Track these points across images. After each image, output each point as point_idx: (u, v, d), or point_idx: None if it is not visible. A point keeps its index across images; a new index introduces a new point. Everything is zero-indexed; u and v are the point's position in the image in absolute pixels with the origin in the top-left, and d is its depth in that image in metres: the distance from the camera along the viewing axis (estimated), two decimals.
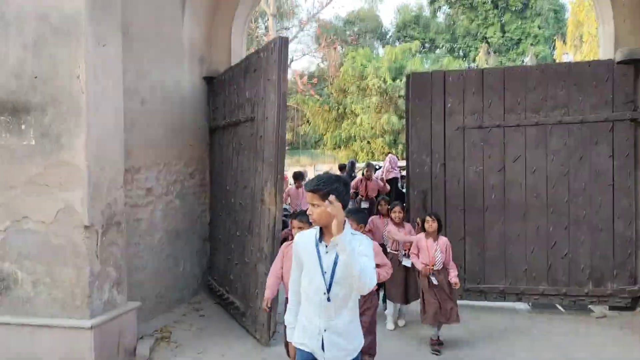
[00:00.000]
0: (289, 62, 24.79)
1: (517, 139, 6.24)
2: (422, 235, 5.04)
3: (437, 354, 4.79)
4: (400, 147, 24.13)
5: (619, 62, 5.96)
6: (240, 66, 5.89)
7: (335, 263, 2.43)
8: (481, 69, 6.79)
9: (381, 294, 5.64)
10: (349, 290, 2.46)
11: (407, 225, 5.62)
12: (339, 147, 27.38)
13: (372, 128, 25.22)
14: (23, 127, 4.22)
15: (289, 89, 27.37)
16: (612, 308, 6.01)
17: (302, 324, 2.55)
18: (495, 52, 31.89)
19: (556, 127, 6.13)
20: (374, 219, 6.00)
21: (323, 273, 2.44)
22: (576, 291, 6.03)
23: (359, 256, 2.33)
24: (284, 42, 4.88)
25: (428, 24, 35.25)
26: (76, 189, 4.13)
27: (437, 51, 34.69)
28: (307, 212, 2.51)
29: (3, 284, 4.28)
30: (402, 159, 16.48)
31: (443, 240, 4.96)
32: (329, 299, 2.44)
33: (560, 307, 6.21)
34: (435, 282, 4.84)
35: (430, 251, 4.91)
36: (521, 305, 6.29)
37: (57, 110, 4.16)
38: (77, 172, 4.14)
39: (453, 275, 4.84)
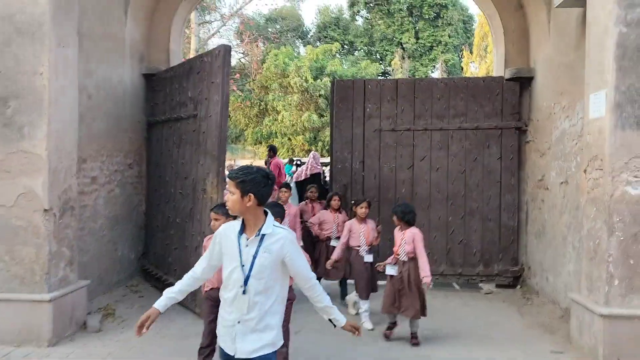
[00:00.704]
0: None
1: (424, 142, 7.34)
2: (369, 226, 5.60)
3: (386, 339, 5.08)
4: (320, 144, 25.21)
5: (507, 79, 7.22)
6: (184, 67, 6.48)
7: (254, 257, 2.47)
8: (396, 80, 7.84)
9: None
10: (268, 285, 2.50)
11: (370, 222, 5.84)
12: (260, 142, 27.97)
13: (293, 125, 26.05)
14: None
15: None
16: (498, 286, 7.25)
17: (221, 317, 2.58)
18: (409, 57, 33.92)
19: (456, 132, 7.29)
20: (323, 212, 6.53)
21: (242, 266, 2.47)
22: (469, 271, 7.23)
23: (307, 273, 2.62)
24: (227, 50, 5.57)
25: (348, 26, 36.64)
26: (37, 176, 4.59)
27: (356, 53, 36.17)
28: (225, 199, 2.54)
29: None
30: (323, 156, 17.42)
31: (412, 231, 5.01)
32: (244, 292, 2.47)
33: (456, 285, 7.38)
34: (393, 273, 5.02)
35: (396, 242, 5.08)
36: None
37: (19, 103, 4.59)
38: (38, 160, 4.59)
39: (424, 275, 4.86)
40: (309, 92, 25.53)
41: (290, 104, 25.85)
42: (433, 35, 34.05)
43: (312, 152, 12.15)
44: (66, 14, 4.84)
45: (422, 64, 33.94)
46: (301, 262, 2.60)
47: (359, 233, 5.59)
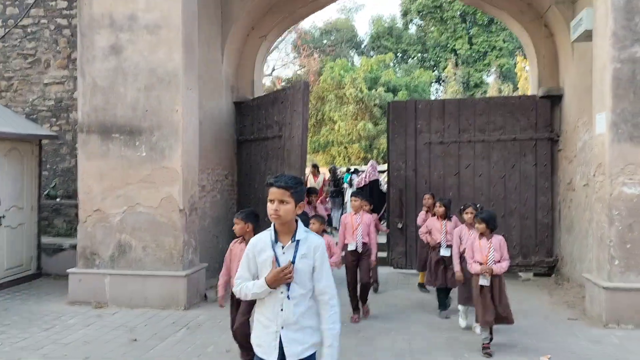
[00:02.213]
0: (270, 72, 26.97)
1: (468, 152, 8.77)
2: (475, 235, 5.18)
3: (489, 357, 4.86)
4: (375, 152, 26.68)
5: (540, 97, 8.55)
6: (269, 97, 8.26)
7: (293, 263, 2.62)
8: (443, 100, 9.33)
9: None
10: (308, 289, 2.66)
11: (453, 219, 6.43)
12: (317, 151, 29.75)
13: (349, 134, 27.67)
14: (137, 143, 6.49)
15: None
16: (535, 275, 8.55)
17: (261, 325, 2.69)
18: (463, 64, 34.83)
19: (496, 143, 8.68)
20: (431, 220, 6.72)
21: None
22: (510, 262, 8.55)
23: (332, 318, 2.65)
24: (306, 85, 7.31)
25: (401, 35, 37.95)
26: (174, 185, 6.43)
27: (410, 61, 37.40)
28: (274, 208, 2.62)
29: (120, 249, 6.52)
30: (380, 164, 18.94)
31: (497, 238, 5.04)
32: (288, 297, 2.62)
33: None
34: (486, 283, 4.91)
35: (483, 251, 4.98)
36: None
37: (161, 132, 6.45)
38: (174, 174, 6.44)
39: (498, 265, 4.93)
40: (364, 102, 27.08)
41: (346, 114, 27.48)
42: (487, 40, 34.80)
43: (371, 161, 13.75)
44: (191, 66, 6.69)
45: (476, 70, 34.74)
46: (326, 271, 2.70)
47: (485, 249, 5.04)
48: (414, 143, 8.92)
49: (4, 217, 7.40)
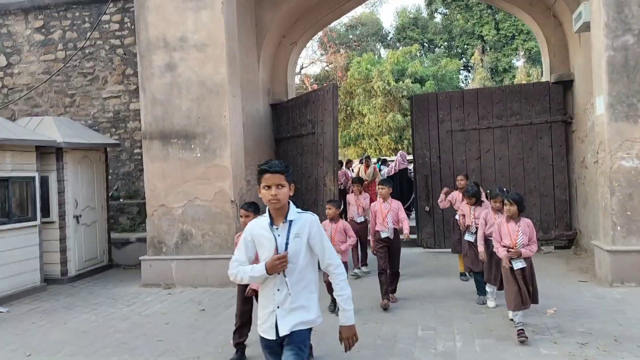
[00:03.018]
0: (299, 70, 28.07)
1: (488, 137, 9.56)
2: (502, 219, 5.12)
3: (524, 340, 4.75)
4: (405, 142, 27.39)
5: (553, 83, 9.27)
6: (302, 99, 9.27)
7: (286, 243, 2.76)
8: (462, 90, 10.19)
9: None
10: (302, 268, 2.79)
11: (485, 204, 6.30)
12: (349, 145, 30.64)
13: (378, 126, 28.44)
14: (192, 146, 7.59)
15: (299, 93, 30.70)
16: (556, 247, 9.30)
17: (261, 306, 2.87)
18: (490, 49, 35.05)
19: (514, 128, 9.45)
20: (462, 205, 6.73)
21: (279, 252, 2.75)
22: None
23: (341, 284, 2.84)
24: (335, 87, 8.27)
25: (426, 25, 38.41)
26: (226, 180, 7.50)
27: (437, 50, 37.81)
28: (272, 193, 2.73)
29: (183, 237, 7.64)
30: (409, 154, 19.75)
31: (525, 221, 4.99)
32: (285, 275, 2.76)
33: None
34: (522, 266, 4.88)
35: (512, 235, 4.93)
36: None
37: (213, 136, 7.52)
38: (225, 171, 7.50)
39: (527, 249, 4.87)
40: (392, 94, 27.80)
41: (374, 107, 28.25)
42: (514, 25, 34.88)
43: (400, 151, 14.62)
44: (234, 77, 7.74)
45: (504, 55, 34.90)
46: (325, 243, 2.84)
47: (513, 232, 4.94)
48: (437, 132, 9.78)
49: (80, 216, 8.64)
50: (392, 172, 13.10)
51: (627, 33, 6.47)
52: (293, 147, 9.59)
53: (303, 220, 2.80)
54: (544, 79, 9.71)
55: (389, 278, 6.33)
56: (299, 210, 2.86)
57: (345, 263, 5.82)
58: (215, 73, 7.54)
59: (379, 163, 18.07)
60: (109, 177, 10.20)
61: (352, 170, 14.43)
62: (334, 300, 5.81)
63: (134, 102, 10.46)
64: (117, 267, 9.38)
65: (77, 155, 8.65)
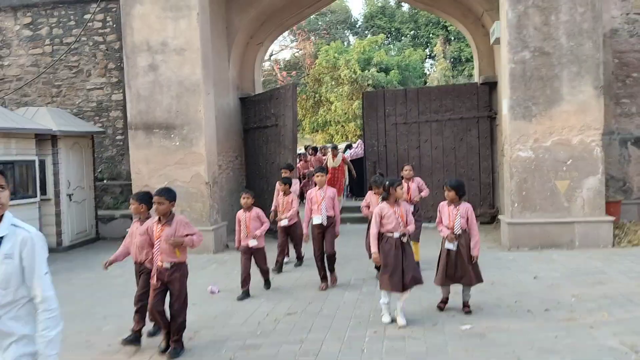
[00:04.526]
0: (269, 56, 29.54)
1: (426, 130, 11.31)
2: (444, 203, 5.50)
3: (440, 310, 5.52)
4: None
5: (481, 84, 11.04)
6: (266, 94, 10.83)
7: None
8: (405, 89, 11.90)
9: None
10: (19, 296, 2.40)
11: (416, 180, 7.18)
12: (317, 131, 32.25)
13: (345, 114, 30.07)
14: (172, 136, 9.09)
15: (269, 79, 32.08)
16: (482, 223, 11.12)
17: None
18: (454, 39, 36.86)
19: (447, 122, 11.21)
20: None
21: None
22: None
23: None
24: (295, 86, 9.86)
25: (393, 14, 39.98)
26: (201, 165, 9.05)
27: (403, 39, 39.51)
28: None
29: None
30: None
31: (465, 206, 5.38)
32: None
33: None
34: (452, 248, 5.31)
35: (450, 217, 5.37)
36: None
37: (190, 127, 9.05)
38: (200, 157, 9.05)
39: (476, 249, 5.30)
40: (358, 83, 29.41)
41: (341, 95, 29.86)
42: None
43: (359, 140, 16.32)
44: (208, 77, 9.26)
45: (467, 45, 36.79)
46: (38, 270, 2.42)
47: (392, 216, 5.20)
48: (384, 125, 11.48)
49: (72, 194, 10.07)
50: (350, 158, 14.82)
51: (525, 50, 8.22)
52: (259, 137, 11.16)
53: (17, 236, 2.39)
54: (474, 80, 11.47)
55: (328, 258, 6.68)
56: (15, 222, 2.42)
57: (262, 248, 6.57)
58: (192, 74, 9.03)
59: (346, 149, 19.70)
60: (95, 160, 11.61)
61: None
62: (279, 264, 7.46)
63: (116, 93, 11.86)
64: (104, 240, 10.85)
65: (69, 141, 10.05)
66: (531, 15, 8.11)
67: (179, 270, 4.81)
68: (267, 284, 6.86)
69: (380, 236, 5.29)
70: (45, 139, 9.54)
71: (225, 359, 4.67)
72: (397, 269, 5.15)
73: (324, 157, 14.67)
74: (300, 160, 14.88)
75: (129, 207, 9.88)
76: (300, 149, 18.71)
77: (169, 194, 4.77)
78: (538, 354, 4.42)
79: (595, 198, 8.13)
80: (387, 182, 5.32)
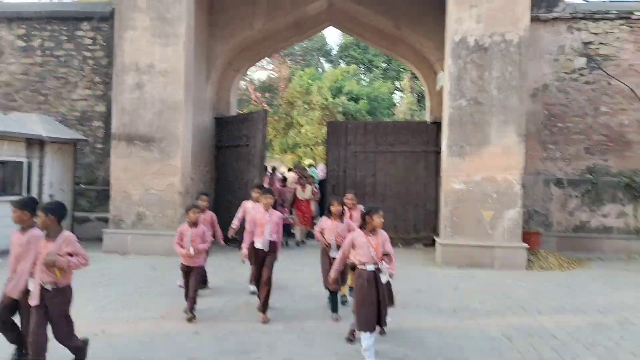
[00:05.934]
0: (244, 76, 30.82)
1: (382, 159, 12.74)
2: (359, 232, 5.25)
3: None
4: None
5: (430, 123, 12.56)
6: (240, 117, 12.13)
7: None
8: (365, 122, 13.40)
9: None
10: None
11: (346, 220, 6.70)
12: (286, 152, 33.58)
13: (314, 137, 31.50)
14: (151, 148, 10.25)
15: (244, 99, 33.35)
16: (425, 245, 12.54)
17: None
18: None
19: (400, 154, 12.67)
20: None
21: None
22: (407, 237, 12.56)
23: None
24: (265, 112, 11.17)
25: (367, 46, 41.86)
26: (176, 176, 10.21)
27: (374, 71, 41.46)
28: None
29: (139, 217, 10.26)
30: None
31: (383, 234, 5.27)
32: None
33: (400, 245, 12.69)
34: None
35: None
36: None
37: (168, 141, 10.22)
38: (176, 169, 10.22)
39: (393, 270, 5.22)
40: (328, 109, 30.97)
41: (312, 119, 31.32)
42: None
43: (321, 164, 17.69)
44: (189, 98, 10.50)
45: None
46: None
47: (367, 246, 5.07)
48: (345, 152, 12.85)
49: (53, 195, 11.05)
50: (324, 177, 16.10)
51: (462, 98, 9.74)
52: (231, 154, 12.38)
53: None
54: (426, 118, 13.01)
55: (261, 289, 6.27)
56: None
57: (200, 267, 6.74)
58: (175, 94, 10.25)
59: (312, 167, 20.90)
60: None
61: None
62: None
63: (99, 105, 12.93)
64: (79, 240, 11.75)
65: (55, 146, 11.08)
66: (469, 70, 9.66)
67: (60, 294, 4.41)
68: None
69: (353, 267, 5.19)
70: (34, 143, 10.56)
71: None
72: (372, 306, 4.91)
73: (294, 187, 13.03)
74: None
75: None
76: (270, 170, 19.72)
77: (27, 205, 4.43)
78: (439, 337, 5.76)
79: (514, 227, 9.62)
80: (364, 210, 5.28)
